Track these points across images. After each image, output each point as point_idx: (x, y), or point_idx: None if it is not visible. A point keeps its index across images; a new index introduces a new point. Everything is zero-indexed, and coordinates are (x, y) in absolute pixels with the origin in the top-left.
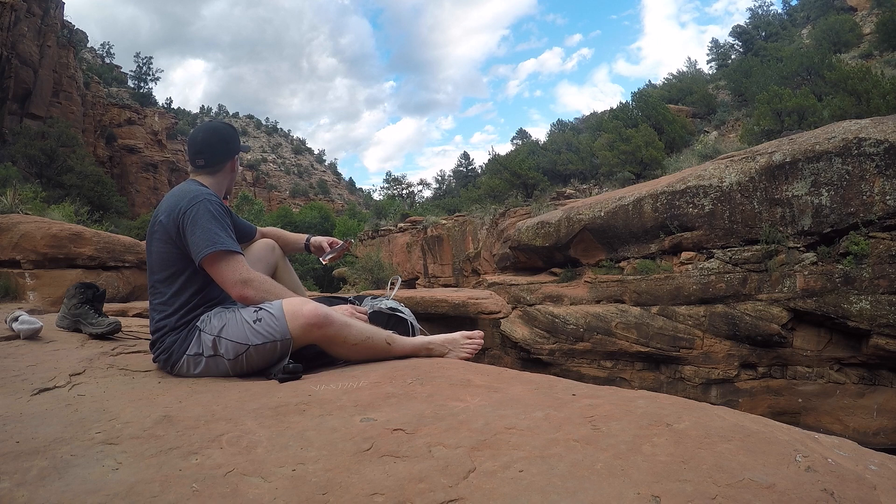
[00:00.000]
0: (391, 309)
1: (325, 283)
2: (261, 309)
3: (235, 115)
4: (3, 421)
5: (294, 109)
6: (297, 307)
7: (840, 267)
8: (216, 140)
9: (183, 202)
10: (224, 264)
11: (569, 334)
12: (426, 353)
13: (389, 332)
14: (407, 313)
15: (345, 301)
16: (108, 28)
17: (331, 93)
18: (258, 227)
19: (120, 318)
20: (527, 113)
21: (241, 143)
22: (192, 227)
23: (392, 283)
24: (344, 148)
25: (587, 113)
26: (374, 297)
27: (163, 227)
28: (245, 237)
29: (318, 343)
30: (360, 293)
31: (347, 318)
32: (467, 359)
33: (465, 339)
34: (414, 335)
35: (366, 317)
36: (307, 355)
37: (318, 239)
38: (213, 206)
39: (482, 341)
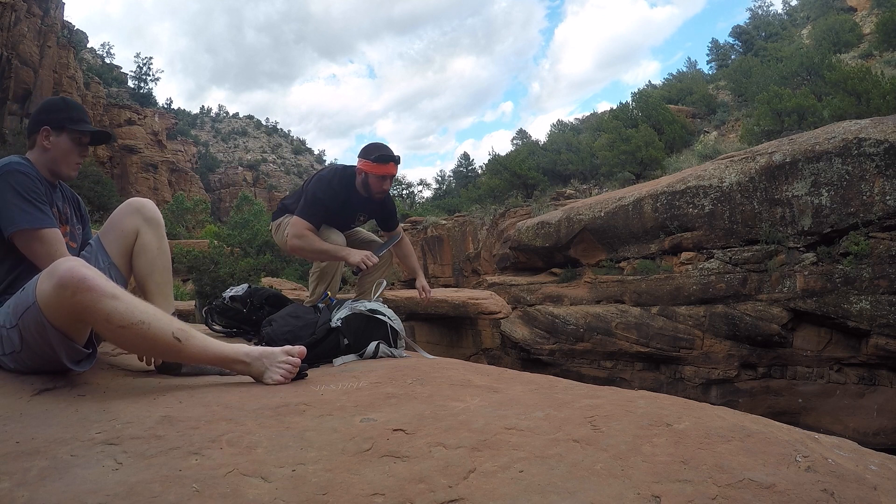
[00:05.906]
0: (371, 311)
1: None
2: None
3: (235, 115)
4: (3, 421)
5: (295, 110)
6: (59, 263)
7: (840, 267)
8: (36, 111)
9: None
10: (35, 244)
11: (569, 334)
12: (233, 367)
13: (182, 326)
14: (390, 316)
15: (313, 309)
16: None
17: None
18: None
19: None
20: None
21: (70, 117)
22: None
23: (377, 285)
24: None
25: (587, 113)
26: (356, 300)
27: None
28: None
29: (77, 318)
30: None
31: (117, 290)
32: (281, 383)
33: (284, 356)
34: (395, 342)
35: None
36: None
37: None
38: (14, 178)
39: (300, 360)
